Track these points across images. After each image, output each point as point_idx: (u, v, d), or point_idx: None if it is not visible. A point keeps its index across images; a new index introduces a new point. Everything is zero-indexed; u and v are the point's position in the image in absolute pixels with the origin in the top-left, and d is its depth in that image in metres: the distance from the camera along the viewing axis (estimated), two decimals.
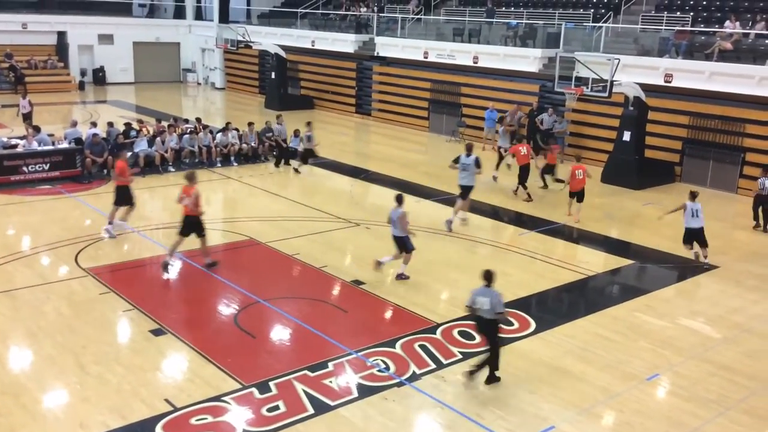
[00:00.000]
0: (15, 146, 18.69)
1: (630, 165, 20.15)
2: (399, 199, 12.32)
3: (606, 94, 19.50)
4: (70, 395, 8.64)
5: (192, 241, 14.39)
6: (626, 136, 20.31)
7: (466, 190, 15.53)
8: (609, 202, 18.26)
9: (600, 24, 23.60)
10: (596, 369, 9.70)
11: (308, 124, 20.52)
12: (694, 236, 13.87)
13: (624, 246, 15.19)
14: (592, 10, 25.54)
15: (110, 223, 14.43)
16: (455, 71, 27.26)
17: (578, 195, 16.39)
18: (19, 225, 15.04)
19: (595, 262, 14.19)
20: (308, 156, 20.26)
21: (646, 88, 20.27)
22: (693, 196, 13.95)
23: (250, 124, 22.10)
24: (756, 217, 16.63)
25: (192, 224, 12.66)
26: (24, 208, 16.20)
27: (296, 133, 22.44)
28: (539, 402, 8.81)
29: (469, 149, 15.59)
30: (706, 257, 13.99)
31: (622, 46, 22.85)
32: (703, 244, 13.90)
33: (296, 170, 20.40)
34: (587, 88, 19.75)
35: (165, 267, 12.46)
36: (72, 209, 16.17)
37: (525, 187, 18.03)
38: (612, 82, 19.24)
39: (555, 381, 9.34)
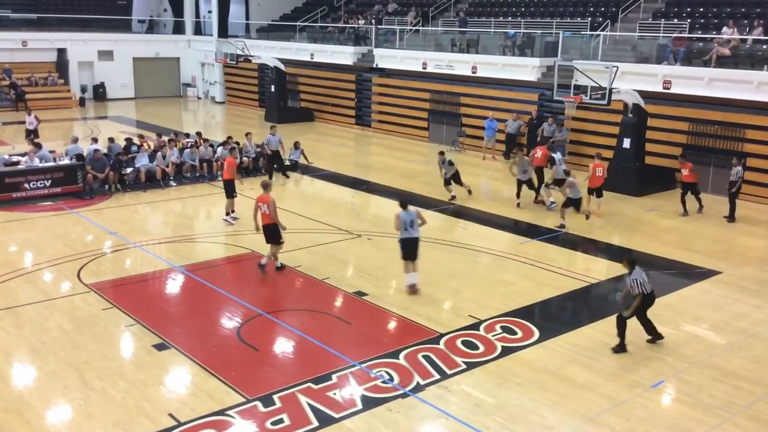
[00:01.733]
0: (16, 163, 18.74)
1: (630, 172, 20.16)
2: (405, 204, 12.30)
3: (605, 102, 19.57)
4: (74, 411, 8.62)
5: (196, 254, 14.44)
6: (626, 143, 20.34)
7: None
8: (610, 209, 18.24)
9: (597, 32, 23.70)
10: (601, 377, 9.67)
11: (441, 153, 19.05)
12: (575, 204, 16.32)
13: (626, 253, 15.13)
14: (590, 19, 25.65)
15: (227, 213, 16.57)
16: (454, 81, 27.35)
17: (597, 191, 17.54)
18: (21, 241, 15.05)
19: (597, 269, 14.19)
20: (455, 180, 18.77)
21: (645, 95, 20.33)
22: (566, 173, 16.55)
23: (248, 134, 22.09)
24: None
25: (272, 231, 13.11)
26: (26, 224, 16.22)
27: (296, 146, 22.51)
28: (544, 411, 8.78)
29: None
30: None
31: (620, 53, 22.93)
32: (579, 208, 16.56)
33: (285, 175, 21.11)
34: (586, 96, 19.82)
35: (278, 268, 13.43)
36: (74, 225, 16.19)
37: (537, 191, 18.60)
38: (611, 89, 19.30)
39: (560, 389, 9.31)
